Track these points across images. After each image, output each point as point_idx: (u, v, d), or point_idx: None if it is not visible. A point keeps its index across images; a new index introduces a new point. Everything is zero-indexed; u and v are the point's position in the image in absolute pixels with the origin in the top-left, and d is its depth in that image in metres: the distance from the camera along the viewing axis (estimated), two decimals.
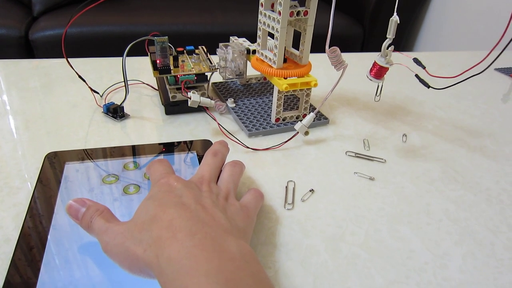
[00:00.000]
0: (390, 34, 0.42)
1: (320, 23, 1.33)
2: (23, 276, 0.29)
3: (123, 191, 0.39)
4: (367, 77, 0.47)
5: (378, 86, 0.49)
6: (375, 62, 0.45)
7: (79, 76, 0.55)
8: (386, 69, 0.45)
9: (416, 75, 0.47)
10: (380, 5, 1.66)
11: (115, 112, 0.52)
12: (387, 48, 0.44)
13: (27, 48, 1.45)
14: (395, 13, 0.40)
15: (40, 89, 0.60)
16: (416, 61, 0.46)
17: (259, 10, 0.49)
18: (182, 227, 0.27)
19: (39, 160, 0.43)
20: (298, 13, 0.46)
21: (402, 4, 1.78)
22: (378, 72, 0.46)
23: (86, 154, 0.44)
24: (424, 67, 0.45)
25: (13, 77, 0.63)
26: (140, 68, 0.69)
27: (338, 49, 0.43)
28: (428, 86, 0.47)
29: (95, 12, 1.47)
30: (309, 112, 0.51)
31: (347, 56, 0.44)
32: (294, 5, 0.46)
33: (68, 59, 0.70)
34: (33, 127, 0.50)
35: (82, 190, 0.38)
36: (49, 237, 0.33)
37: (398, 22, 0.41)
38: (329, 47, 0.42)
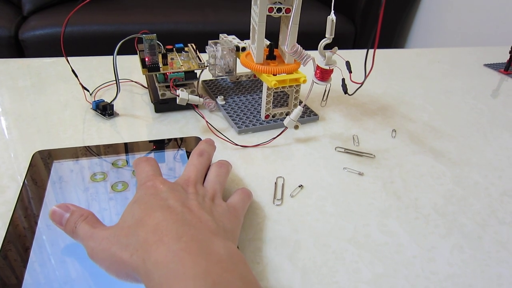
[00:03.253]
0: (328, 33, 0.41)
1: (310, 20, 1.33)
2: (10, 271, 0.29)
3: (111, 188, 0.38)
4: (313, 80, 0.46)
5: (325, 90, 0.48)
6: (317, 65, 0.45)
7: (73, 72, 0.55)
8: (330, 71, 0.45)
9: (343, 79, 0.46)
10: (371, 2, 1.66)
11: (104, 109, 0.52)
12: (324, 48, 0.43)
13: (17, 48, 1.44)
14: (332, 12, 0.40)
15: (30, 88, 0.60)
16: (347, 64, 0.45)
17: (252, 5, 0.49)
18: (168, 231, 0.27)
19: (28, 158, 0.43)
20: (279, 10, 0.46)
21: (394, 1, 1.78)
22: (322, 74, 0.45)
23: (75, 152, 0.44)
24: (350, 72, 0.45)
25: (2, 76, 0.63)
26: (130, 66, 0.68)
27: (297, 45, 0.43)
28: (345, 92, 0.47)
29: (86, 11, 1.47)
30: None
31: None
32: (279, 2, 0.46)
33: (58, 58, 0.70)
34: (22, 126, 0.50)
35: (70, 188, 0.38)
36: (36, 234, 0.33)
37: (335, 21, 0.40)
38: (291, 46, 0.42)
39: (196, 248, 0.26)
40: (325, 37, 0.41)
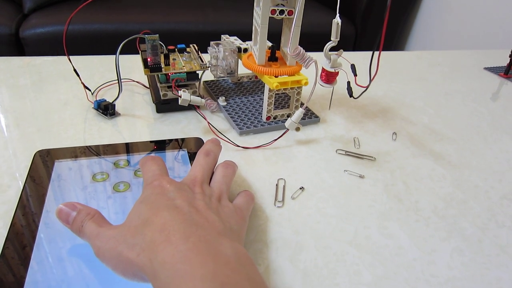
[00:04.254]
0: (334, 36, 0.41)
1: (311, 22, 1.34)
2: (12, 272, 0.29)
3: (113, 188, 0.38)
4: (319, 83, 0.46)
5: (331, 93, 0.48)
6: (322, 67, 0.45)
7: (75, 70, 0.55)
8: (336, 73, 0.45)
9: (348, 82, 0.46)
10: (371, 4, 1.67)
11: (106, 109, 0.52)
12: (330, 51, 0.43)
13: (17, 46, 1.44)
14: (337, 15, 0.40)
15: (31, 86, 0.60)
16: (353, 68, 0.45)
17: (254, 7, 0.49)
18: (175, 230, 0.27)
19: (29, 157, 0.43)
20: (281, 12, 0.46)
21: (394, 3, 1.79)
22: (327, 77, 0.45)
23: (76, 152, 0.44)
24: (355, 75, 0.45)
25: (3, 75, 0.63)
26: (131, 66, 0.68)
27: (299, 48, 0.43)
28: (351, 95, 0.47)
29: (87, 10, 1.46)
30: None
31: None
32: (281, 4, 0.46)
33: (59, 56, 0.70)
34: (23, 125, 0.50)
35: (72, 188, 0.38)
36: (38, 233, 0.33)
37: (340, 24, 0.40)
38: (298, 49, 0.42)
39: (203, 248, 0.26)
40: (330, 40, 0.41)
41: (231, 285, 0.24)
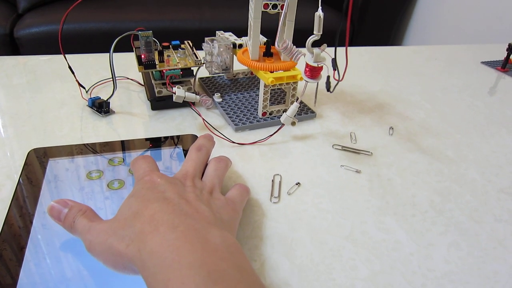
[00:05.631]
0: (316, 30, 0.40)
1: (305, 18, 1.33)
2: (5, 270, 0.29)
3: (107, 186, 0.38)
4: (304, 78, 0.45)
5: (316, 89, 0.48)
6: (306, 62, 0.44)
7: (70, 68, 0.55)
8: (320, 68, 0.44)
9: (328, 76, 0.46)
10: (368, 0, 1.66)
11: (100, 106, 0.52)
12: (312, 46, 0.42)
13: (12, 46, 1.43)
14: (319, 8, 0.39)
15: (25, 85, 0.59)
16: (333, 62, 0.45)
17: (249, 1, 0.49)
18: (164, 221, 0.27)
19: (24, 156, 0.43)
20: (274, 6, 0.46)
21: None
22: (311, 72, 0.44)
23: (71, 150, 0.43)
24: (334, 69, 0.44)
25: None
26: (127, 64, 0.68)
27: (287, 41, 0.42)
28: (328, 90, 0.46)
29: (81, 9, 1.46)
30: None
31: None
32: None
33: (54, 55, 0.69)
34: (18, 124, 0.49)
35: (66, 186, 0.38)
36: (32, 231, 0.32)
37: (322, 17, 0.40)
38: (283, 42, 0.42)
39: (192, 237, 0.26)
40: (313, 34, 0.40)
41: (218, 273, 0.24)
